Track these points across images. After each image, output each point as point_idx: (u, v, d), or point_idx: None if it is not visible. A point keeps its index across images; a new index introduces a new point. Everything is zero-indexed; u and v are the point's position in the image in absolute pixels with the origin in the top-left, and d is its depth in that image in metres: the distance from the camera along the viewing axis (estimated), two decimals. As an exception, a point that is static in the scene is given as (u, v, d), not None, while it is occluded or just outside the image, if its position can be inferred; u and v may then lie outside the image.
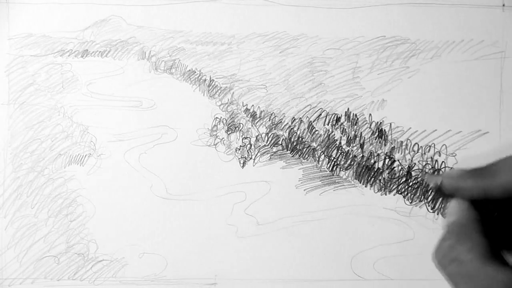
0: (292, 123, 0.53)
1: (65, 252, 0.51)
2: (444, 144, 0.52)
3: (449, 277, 0.33)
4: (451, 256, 0.33)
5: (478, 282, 0.31)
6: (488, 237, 0.34)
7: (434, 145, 0.52)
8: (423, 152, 0.52)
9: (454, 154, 0.52)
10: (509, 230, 0.37)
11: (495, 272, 0.30)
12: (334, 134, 0.53)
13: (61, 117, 0.52)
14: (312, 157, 0.53)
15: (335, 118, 0.53)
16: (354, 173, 0.53)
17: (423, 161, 0.52)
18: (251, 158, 0.53)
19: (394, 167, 0.52)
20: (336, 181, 0.53)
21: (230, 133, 0.53)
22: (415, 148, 0.52)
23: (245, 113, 0.53)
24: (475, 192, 0.36)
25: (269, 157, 0.53)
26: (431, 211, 0.52)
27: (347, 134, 0.53)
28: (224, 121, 0.53)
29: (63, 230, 0.51)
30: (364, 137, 0.53)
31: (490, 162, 0.37)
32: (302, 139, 0.53)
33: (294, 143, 0.53)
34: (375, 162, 0.52)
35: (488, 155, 0.52)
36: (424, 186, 0.52)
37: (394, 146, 0.52)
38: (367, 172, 0.52)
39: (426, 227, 0.52)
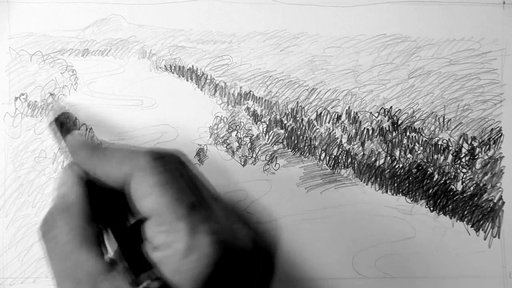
0: (293, 121, 0.53)
1: (66, 251, 0.51)
2: (444, 144, 0.52)
3: (46, 252, 0.34)
4: (52, 233, 0.34)
5: (67, 264, 0.32)
6: (93, 221, 0.34)
7: (435, 144, 0.52)
8: (424, 151, 0.52)
9: (454, 154, 0.52)
10: (113, 217, 0.37)
11: (85, 259, 0.31)
12: (335, 132, 0.53)
13: (61, 116, 0.52)
14: (313, 155, 0.53)
15: (335, 116, 0.53)
16: (355, 171, 0.53)
17: (424, 159, 0.52)
18: (252, 157, 0.53)
19: (395, 165, 0.52)
20: (337, 179, 0.53)
21: (231, 132, 0.53)
22: (416, 147, 0.52)
23: (246, 112, 0.53)
24: (86, 168, 0.37)
25: (270, 156, 0.53)
26: (432, 209, 0.52)
27: (348, 132, 0.53)
28: (225, 120, 0.53)
29: (64, 229, 0.51)
30: (365, 135, 0.53)
31: (109, 144, 0.37)
32: (303, 137, 0.53)
33: (295, 142, 0.53)
34: (376, 160, 0.52)
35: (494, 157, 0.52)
36: (425, 184, 0.52)
37: (395, 144, 0.52)
38: (368, 170, 0.52)
39: (427, 225, 0.52)
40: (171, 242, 0.31)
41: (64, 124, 0.44)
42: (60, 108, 0.47)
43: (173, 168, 0.34)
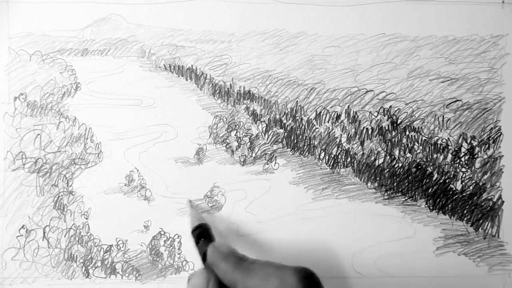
0: (292, 121, 0.53)
1: (66, 251, 0.51)
2: (444, 143, 0.52)
3: None
4: None
5: None
6: None
7: (435, 143, 0.52)
8: (423, 150, 0.52)
9: (453, 153, 0.52)
10: None
11: None
12: (334, 132, 0.53)
13: (60, 115, 0.52)
14: (312, 154, 0.53)
15: (335, 116, 0.53)
16: (355, 171, 0.53)
17: (423, 159, 0.52)
18: (251, 156, 0.53)
19: (394, 165, 0.52)
20: (337, 178, 0.53)
21: (230, 131, 0.53)
22: (416, 146, 0.52)
23: (245, 111, 0.53)
24: (227, 281, 0.37)
25: (269, 155, 0.53)
26: (432, 208, 0.52)
27: (347, 132, 0.53)
28: (224, 119, 0.53)
29: (63, 228, 0.51)
30: (364, 135, 0.53)
31: (252, 259, 0.38)
32: (302, 136, 0.53)
33: (295, 141, 0.53)
34: (375, 159, 0.52)
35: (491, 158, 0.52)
36: (424, 184, 0.52)
37: (394, 144, 0.52)
38: (367, 170, 0.52)
39: (426, 224, 0.52)
40: None
41: (201, 236, 0.45)
42: (198, 217, 0.48)
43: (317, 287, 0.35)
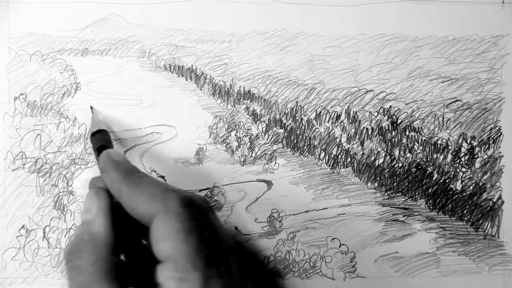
0: (292, 120, 0.53)
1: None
2: (444, 143, 0.52)
3: (68, 279, 0.34)
4: (76, 262, 0.34)
5: None
6: (116, 251, 0.35)
7: (435, 143, 0.52)
8: (423, 150, 0.52)
9: (453, 153, 0.52)
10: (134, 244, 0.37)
11: None
12: (334, 132, 0.53)
13: (60, 115, 0.52)
14: (312, 154, 0.53)
15: (335, 116, 0.53)
16: (355, 171, 0.53)
17: (423, 159, 0.52)
18: (251, 156, 0.53)
19: (394, 165, 0.52)
20: (337, 178, 0.53)
21: (230, 131, 0.53)
22: (416, 146, 0.52)
23: (245, 111, 0.53)
24: (113, 191, 0.36)
25: (269, 155, 0.53)
26: (432, 208, 0.52)
27: (347, 132, 0.53)
28: (224, 119, 0.53)
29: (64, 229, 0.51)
30: (364, 135, 0.53)
31: (144, 173, 0.37)
32: (302, 136, 0.53)
33: (295, 141, 0.53)
34: (375, 159, 0.52)
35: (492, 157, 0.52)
36: (424, 183, 0.52)
37: (394, 144, 0.52)
38: (367, 170, 0.52)
39: (426, 224, 0.52)
40: None
41: (99, 141, 0.45)
42: (97, 123, 0.47)
43: (200, 217, 0.34)
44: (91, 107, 0.50)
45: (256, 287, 0.36)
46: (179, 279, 0.31)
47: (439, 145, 0.52)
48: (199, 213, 0.34)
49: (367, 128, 0.53)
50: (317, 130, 0.53)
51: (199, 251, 0.32)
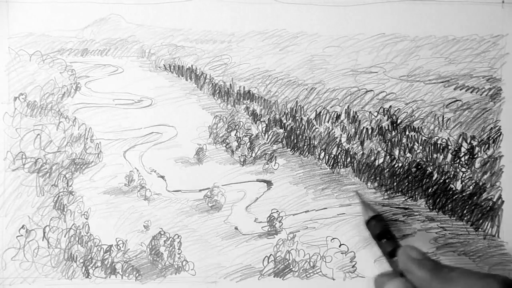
0: (292, 120, 0.53)
1: (66, 251, 0.51)
2: (443, 143, 0.52)
3: None
4: None
5: None
6: None
7: (435, 143, 0.52)
8: (423, 150, 0.52)
9: (453, 153, 0.52)
10: None
11: None
12: (334, 132, 0.53)
13: (60, 115, 0.52)
14: (312, 154, 0.53)
15: (335, 116, 0.53)
16: (354, 170, 0.53)
17: (423, 158, 0.52)
18: (251, 156, 0.53)
19: (394, 165, 0.52)
20: (337, 178, 0.53)
21: (230, 131, 0.53)
22: (416, 146, 0.52)
23: (245, 111, 0.53)
24: (422, 287, 0.37)
25: (269, 155, 0.53)
26: (432, 208, 0.52)
27: (347, 132, 0.53)
28: (224, 119, 0.53)
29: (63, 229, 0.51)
30: (364, 135, 0.53)
31: (449, 266, 0.37)
32: (302, 136, 0.53)
33: (294, 141, 0.53)
34: (375, 159, 0.52)
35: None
36: (424, 183, 0.52)
37: (394, 144, 0.52)
38: (367, 170, 0.52)
39: (426, 224, 0.52)
40: None
41: (377, 228, 0.46)
42: (371, 209, 0.49)
43: None
44: (357, 192, 0.51)
45: None
46: None
47: (439, 145, 0.52)
48: None
49: (367, 128, 0.53)
50: (317, 130, 0.53)
51: None
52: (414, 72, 0.52)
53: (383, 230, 0.46)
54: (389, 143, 0.52)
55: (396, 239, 0.46)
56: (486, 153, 0.52)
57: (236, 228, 0.52)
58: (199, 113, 0.53)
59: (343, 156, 0.53)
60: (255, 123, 0.54)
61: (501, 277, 0.35)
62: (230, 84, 0.53)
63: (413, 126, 0.52)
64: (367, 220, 0.48)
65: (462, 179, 0.52)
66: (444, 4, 0.52)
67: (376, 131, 0.53)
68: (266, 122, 0.53)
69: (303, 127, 0.53)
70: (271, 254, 0.51)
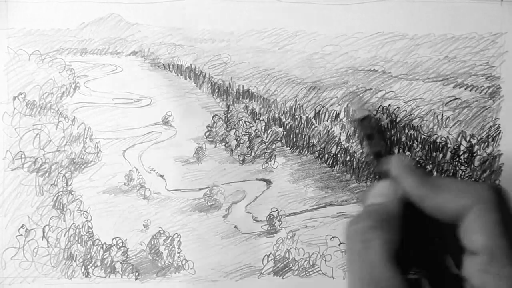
0: (291, 119, 0.53)
1: (65, 250, 0.51)
2: (443, 141, 0.52)
3: (349, 251, 0.33)
4: (365, 236, 0.33)
5: (371, 273, 0.32)
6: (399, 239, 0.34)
7: (434, 141, 0.52)
8: (422, 149, 0.52)
9: (452, 151, 0.52)
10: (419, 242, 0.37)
11: (391, 275, 0.31)
12: (334, 130, 0.53)
13: (59, 115, 0.52)
14: (312, 153, 0.53)
15: (334, 114, 0.53)
16: (354, 169, 0.53)
17: (423, 157, 0.52)
18: (250, 155, 0.53)
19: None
20: (336, 176, 0.53)
21: (229, 130, 0.53)
22: (415, 144, 0.52)
23: (244, 110, 0.53)
24: (412, 194, 0.36)
25: (268, 154, 0.53)
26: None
27: (347, 130, 0.53)
28: (223, 118, 0.53)
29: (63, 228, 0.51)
30: (364, 133, 0.53)
31: (441, 176, 0.37)
32: (301, 135, 0.53)
33: (294, 140, 0.53)
34: (374, 158, 0.52)
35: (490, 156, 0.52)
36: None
37: (394, 142, 0.52)
38: (366, 168, 0.52)
39: (426, 222, 0.52)
40: (496, 287, 0.29)
41: (367, 129, 0.46)
42: (365, 109, 0.48)
43: (510, 206, 0.33)
44: (355, 92, 0.51)
45: None
46: (492, 274, 0.30)
47: (438, 143, 0.52)
48: (508, 201, 0.33)
49: (366, 127, 0.53)
50: (316, 128, 0.53)
51: None
52: (413, 71, 0.52)
53: (374, 131, 0.46)
54: (388, 142, 0.52)
55: (385, 140, 0.46)
56: (485, 151, 0.52)
57: (235, 227, 0.52)
58: (198, 112, 0.53)
59: (342, 155, 0.53)
60: (254, 122, 0.53)
61: (491, 184, 0.34)
62: (229, 83, 0.53)
63: (412, 125, 0.52)
64: (360, 119, 0.47)
65: (462, 177, 0.52)
66: (443, 2, 0.52)
67: (376, 129, 0.53)
68: (266, 121, 0.53)
69: (302, 126, 0.53)
70: (270, 253, 0.51)
